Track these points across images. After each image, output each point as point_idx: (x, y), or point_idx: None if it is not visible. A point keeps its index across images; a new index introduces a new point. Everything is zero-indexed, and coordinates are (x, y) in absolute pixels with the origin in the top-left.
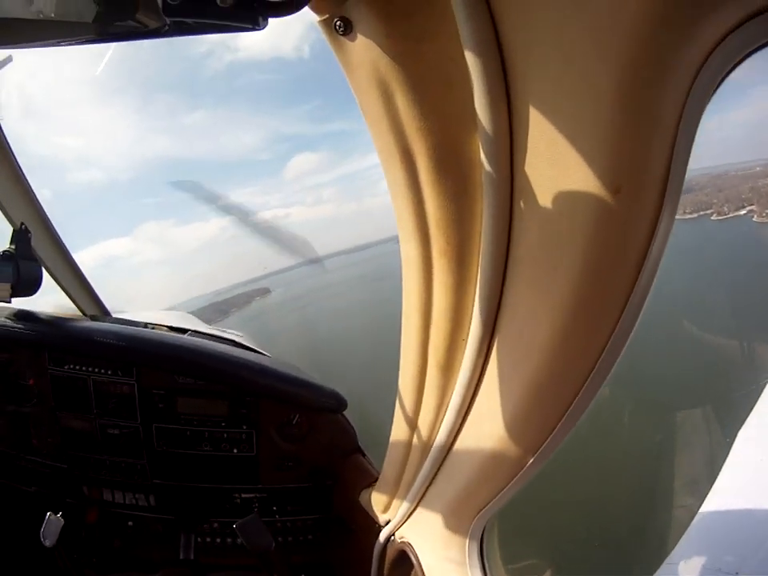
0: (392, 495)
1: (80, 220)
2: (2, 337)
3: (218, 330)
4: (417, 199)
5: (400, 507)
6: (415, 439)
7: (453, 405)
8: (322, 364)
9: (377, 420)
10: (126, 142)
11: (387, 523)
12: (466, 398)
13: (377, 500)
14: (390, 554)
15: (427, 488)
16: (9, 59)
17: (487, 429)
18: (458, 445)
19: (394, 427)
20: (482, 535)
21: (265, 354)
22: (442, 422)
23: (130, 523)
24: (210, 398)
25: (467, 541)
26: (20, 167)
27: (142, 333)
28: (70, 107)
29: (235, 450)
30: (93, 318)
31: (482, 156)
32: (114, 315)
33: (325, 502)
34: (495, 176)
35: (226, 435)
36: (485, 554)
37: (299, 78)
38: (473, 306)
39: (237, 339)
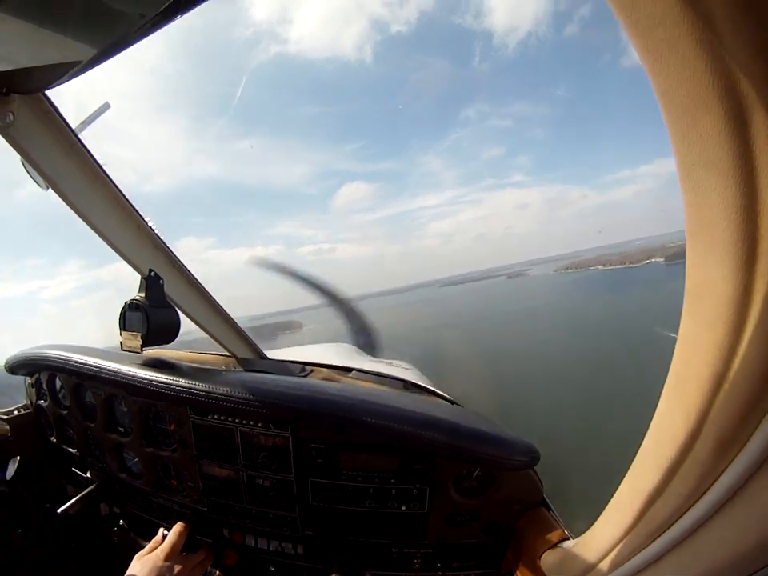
0: (595, 561)
1: None
2: (139, 388)
3: (384, 363)
4: (747, 198)
5: None
6: (653, 509)
7: (718, 486)
8: None
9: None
10: (173, 160)
11: None
12: (739, 479)
13: (568, 565)
14: None
15: (647, 567)
16: (107, 106)
17: (755, 521)
18: (708, 530)
19: (624, 483)
20: None
21: (439, 395)
22: (697, 501)
23: (272, 568)
24: (379, 453)
25: None
26: (138, 212)
27: (294, 387)
28: (123, 120)
29: (404, 508)
30: (242, 363)
31: None
32: (268, 356)
33: (497, 558)
34: None
35: (394, 492)
36: None
37: (351, 115)
38: None
39: (405, 377)
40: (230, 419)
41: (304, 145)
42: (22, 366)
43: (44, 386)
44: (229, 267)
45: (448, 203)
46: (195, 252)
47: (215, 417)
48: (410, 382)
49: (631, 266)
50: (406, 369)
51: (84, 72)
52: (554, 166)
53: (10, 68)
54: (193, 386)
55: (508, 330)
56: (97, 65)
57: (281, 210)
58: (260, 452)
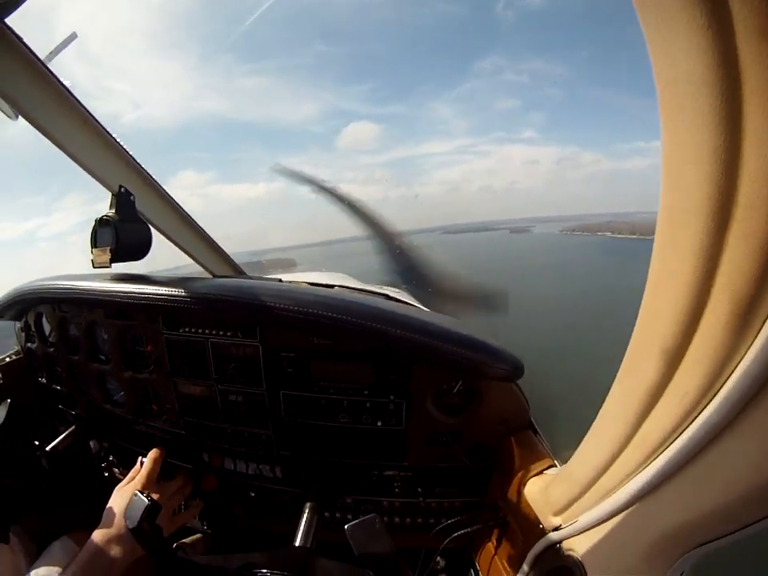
0: (573, 497)
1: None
2: (116, 302)
3: (372, 286)
4: (726, 153)
5: (581, 516)
6: (632, 443)
7: (704, 419)
8: None
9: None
10: (179, 95)
11: (557, 529)
12: (734, 408)
13: (550, 496)
14: (549, 562)
15: (631, 505)
16: (74, 35)
17: (755, 452)
18: (697, 465)
19: (600, 415)
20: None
21: (425, 310)
22: (682, 433)
23: (252, 494)
24: (352, 361)
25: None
26: (109, 132)
27: (269, 286)
28: (125, 55)
29: (379, 423)
30: (217, 278)
31: None
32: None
33: (480, 484)
34: None
35: (368, 405)
36: None
37: (361, 56)
38: None
39: (391, 294)
40: (200, 330)
41: (312, 83)
42: (8, 308)
43: (32, 329)
44: (231, 202)
45: (455, 152)
46: (196, 186)
47: (186, 330)
48: (395, 298)
49: (642, 237)
50: (397, 291)
51: None
52: (567, 126)
53: None
54: (161, 292)
55: (511, 282)
56: None
57: (285, 148)
58: (230, 363)
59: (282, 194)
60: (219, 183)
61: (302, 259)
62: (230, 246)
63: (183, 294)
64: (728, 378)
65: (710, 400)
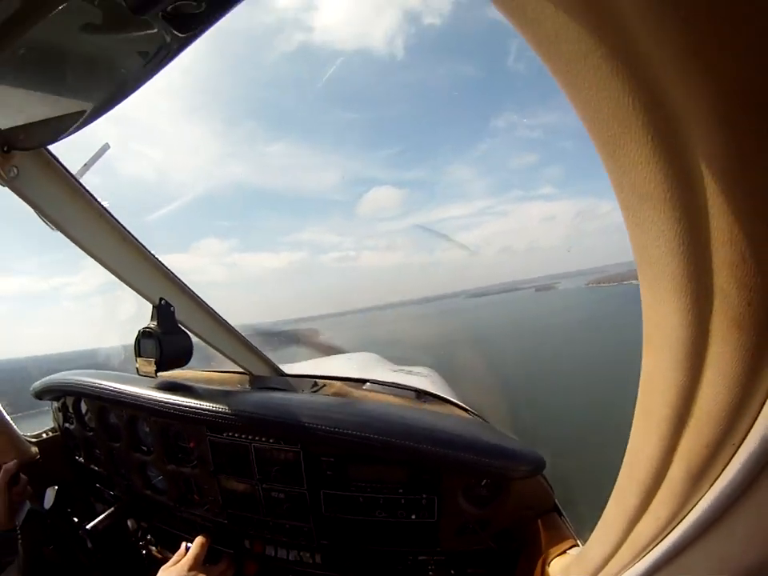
0: (590, 575)
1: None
2: (157, 410)
3: (404, 372)
4: (697, 223)
5: None
6: (637, 530)
7: (695, 515)
8: None
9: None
10: (201, 161)
11: None
12: (716, 510)
13: (571, 574)
14: None
15: None
16: (106, 147)
17: (735, 551)
18: (689, 555)
19: (611, 501)
20: None
21: (453, 403)
22: (677, 526)
23: None
24: (387, 465)
25: None
26: (145, 247)
27: (300, 405)
28: (152, 117)
29: (413, 517)
30: (257, 380)
31: None
32: (286, 371)
33: (509, 564)
34: None
35: (403, 501)
36: None
37: (381, 120)
38: (763, 405)
39: (421, 386)
40: (243, 436)
41: (334, 150)
42: (48, 392)
43: (70, 410)
44: (253, 271)
45: (475, 214)
46: (220, 254)
47: (230, 434)
48: (423, 391)
49: None
50: (426, 376)
51: (88, 124)
52: (582, 177)
53: (9, 126)
54: (205, 407)
55: (535, 345)
56: (99, 116)
57: (307, 216)
58: (273, 466)
59: (305, 264)
60: (241, 252)
61: (324, 329)
62: (252, 317)
63: (227, 410)
64: (719, 476)
65: (701, 497)
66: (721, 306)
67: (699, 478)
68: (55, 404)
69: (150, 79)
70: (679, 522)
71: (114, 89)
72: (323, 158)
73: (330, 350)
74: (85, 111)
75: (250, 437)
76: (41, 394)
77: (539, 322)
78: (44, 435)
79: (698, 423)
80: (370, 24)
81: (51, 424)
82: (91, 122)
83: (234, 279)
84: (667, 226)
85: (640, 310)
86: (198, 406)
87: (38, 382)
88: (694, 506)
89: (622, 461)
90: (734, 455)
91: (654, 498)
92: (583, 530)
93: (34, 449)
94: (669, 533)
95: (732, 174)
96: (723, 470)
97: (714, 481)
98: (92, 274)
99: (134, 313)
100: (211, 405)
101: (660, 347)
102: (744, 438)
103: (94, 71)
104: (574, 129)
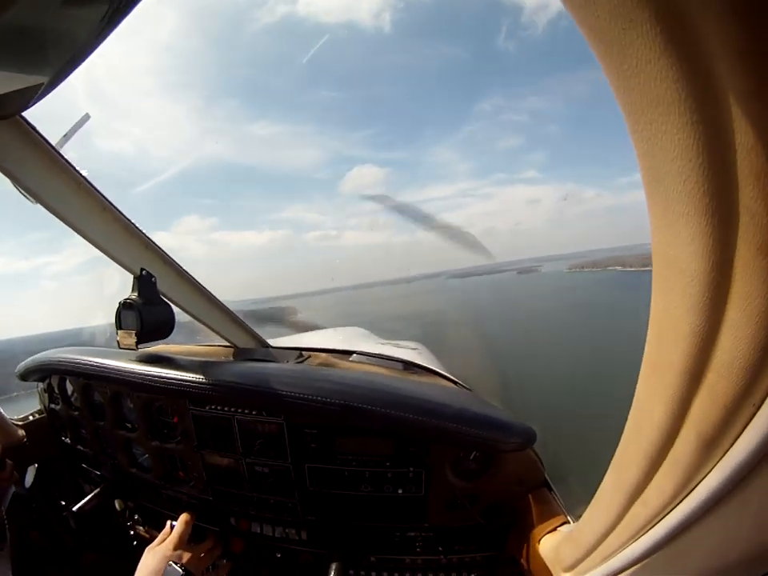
0: (580, 557)
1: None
2: (139, 383)
3: (391, 345)
4: (724, 160)
5: (586, 575)
6: (636, 507)
7: (705, 487)
8: None
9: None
10: (183, 138)
11: None
12: (728, 481)
13: (560, 554)
14: None
15: (635, 565)
16: (86, 117)
17: (746, 527)
18: (694, 533)
19: (607, 476)
20: None
21: (440, 374)
22: (682, 501)
23: (279, 555)
24: (372, 436)
25: None
26: (126, 216)
27: (290, 373)
28: (134, 97)
29: (400, 491)
30: (241, 353)
31: None
32: (272, 344)
33: (499, 540)
34: None
35: (389, 475)
36: None
37: (364, 100)
38: None
39: (409, 358)
40: (226, 408)
41: (317, 129)
42: (32, 373)
43: (55, 390)
44: (235, 249)
45: (458, 195)
46: (201, 232)
47: (212, 407)
48: (410, 362)
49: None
50: (414, 349)
51: (56, 86)
52: (567, 163)
53: None
54: (186, 377)
55: (520, 326)
56: (66, 77)
57: (289, 194)
58: (257, 439)
59: (289, 241)
60: (223, 230)
61: (303, 306)
62: (234, 294)
63: (209, 380)
64: (734, 442)
65: (713, 466)
66: (747, 230)
67: (712, 444)
68: (41, 385)
69: (110, 33)
70: (685, 497)
71: (70, 52)
72: (306, 138)
73: (311, 329)
74: (47, 77)
75: (232, 409)
76: (25, 375)
77: (522, 304)
78: (30, 417)
79: (716, 378)
80: None
81: (38, 406)
82: (60, 82)
83: (215, 257)
84: (683, 134)
85: (619, 294)
86: (179, 377)
87: (21, 363)
88: (704, 477)
89: (611, 435)
90: (752, 417)
91: (659, 471)
92: (574, 507)
93: (21, 432)
94: (672, 509)
95: (757, 73)
96: (740, 434)
97: (729, 447)
98: (74, 254)
99: (118, 290)
100: (192, 375)
101: (672, 286)
102: (766, 398)
103: (50, 33)
104: (560, 114)
